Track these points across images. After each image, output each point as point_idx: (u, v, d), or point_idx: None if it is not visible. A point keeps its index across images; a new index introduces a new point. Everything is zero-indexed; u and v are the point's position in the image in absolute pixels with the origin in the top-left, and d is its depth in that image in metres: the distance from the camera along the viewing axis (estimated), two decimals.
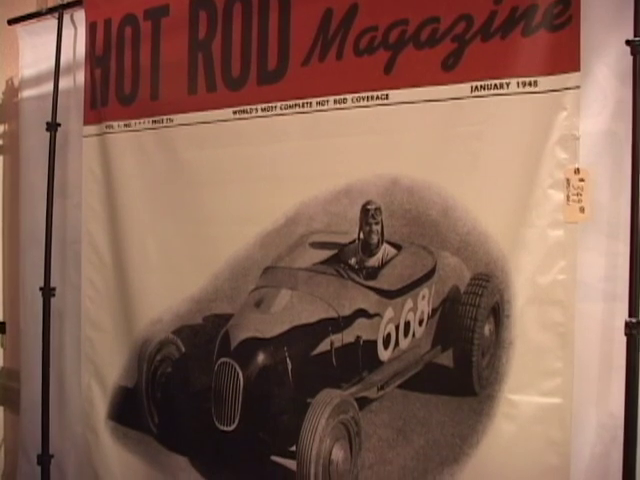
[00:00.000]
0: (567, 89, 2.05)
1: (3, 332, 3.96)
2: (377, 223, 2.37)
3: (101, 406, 3.14)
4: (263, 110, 2.61)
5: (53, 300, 3.29)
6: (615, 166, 2.08)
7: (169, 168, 2.87)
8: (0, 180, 3.96)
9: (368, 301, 2.39)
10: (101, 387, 3.14)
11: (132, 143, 3.00)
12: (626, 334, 1.98)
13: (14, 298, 3.78)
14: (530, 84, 2.10)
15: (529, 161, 2.12)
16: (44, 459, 3.34)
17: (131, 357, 3.01)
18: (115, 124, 3.06)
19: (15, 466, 3.73)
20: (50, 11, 3.32)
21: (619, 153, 2.06)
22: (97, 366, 3.16)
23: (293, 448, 2.44)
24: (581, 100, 2.05)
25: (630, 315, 1.97)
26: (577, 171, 2.05)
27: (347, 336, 2.41)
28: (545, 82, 2.08)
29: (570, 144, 2.06)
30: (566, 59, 2.04)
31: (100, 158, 3.13)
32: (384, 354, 2.37)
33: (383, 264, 2.40)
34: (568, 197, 2.07)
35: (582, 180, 2.05)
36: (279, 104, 2.57)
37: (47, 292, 3.26)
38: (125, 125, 3.03)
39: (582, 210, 2.06)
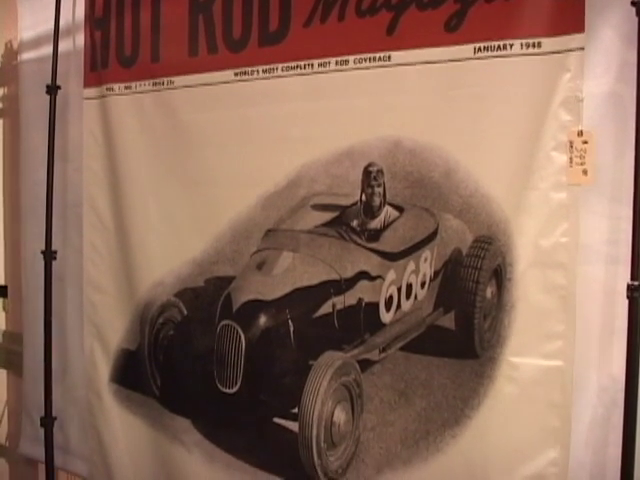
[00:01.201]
0: (571, 50, 2.03)
1: (5, 296, 3.97)
2: (379, 185, 2.36)
3: (104, 369, 3.15)
4: (264, 72, 2.59)
5: (55, 263, 3.28)
6: (619, 128, 2.07)
7: (170, 130, 2.85)
8: (1, 143, 3.95)
9: (370, 263, 2.39)
10: (103, 350, 3.15)
11: (133, 105, 2.98)
12: (628, 297, 1.97)
13: (16, 262, 3.78)
14: (534, 45, 2.08)
15: (532, 123, 2.10)
16: (47, 421, 3.36)
17: (133, 320, 3.02)
18: (115, 86, 3.03)
19: (19, 428, 3.75)
20: None
21: (623, 115, 2.05)
22: (99, 329, 3.17)
23: (295, 410, 2.45)
24: (585, 62, 2.02)
25: (632, 278, 1.96)
26: (580, 133, 2.04)
27: (349, 298, 2.41)
28: (549, 43, 2.05)
29: (573, 106, 2.04)
30: (570, 20, 2.02)
31: (101, 121, 3.11)
32: (386, 316, 2.38)
33: (385, 226, 2.39)
34: (571, 159, 2.06)
35: (585, 142, 2.04)
36: (280, 65, 2.55)
37: (48, 255, 3.26)
38: (126, 87, 3.01)
39: (585, 173, 2.05)
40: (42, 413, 3.36)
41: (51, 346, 3.31)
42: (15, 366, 3.85)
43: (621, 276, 2.03)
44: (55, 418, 3.38)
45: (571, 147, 2.05)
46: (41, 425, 3.36)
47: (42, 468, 3.53)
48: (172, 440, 2.90)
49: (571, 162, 2.06)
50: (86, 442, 3.29)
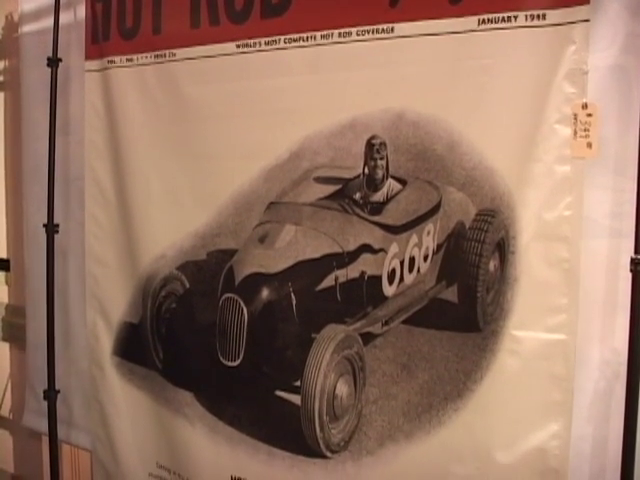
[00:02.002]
0: (576, 22, 2.00)
1: (7, 269, 3.98)
2: (382, 158, 2.35)
3: (106, 342, 3.17)
4: (267, 44, 2.57)
5: (57, 237, 3.28)
6: (623, 101, 2.05)
7: (172, 103, 2.84)
8: (1, 117, 3.94)
9: (373, 236, 2.39)
10: (106, 323, 3.16)
11: (134, 78, 2.96)
12: (631, 271, 1.97)
13: (18, 235, 3.78)
14: (538, 17, 2.05)
15: (536, 96, 2.08)
16: (50, 394, 3.37)
17: (135, 293, 3.02)
18: (117, 59, 3.02)
19: (22, 401, 3.77)
20: None
21: (628, 88, 2.04)
22: (102, 302, 3.17)
23: (297, 383, 2.46)
24: (590, 34, 2.00)
25: (636, 252, 1.96)
26: (585, 106, 2.02)
27: (352, 271, 2.41)
28: (554, 15, 2.03)
29: (578, 78, 2.02)
30: None
31: (102, 93, 3.10)
32: (389, 289, 2.37)
33: (388, 199, 2.39)
34: (575, 132, 2.04)
35: (590, 115, 2.02)
36: (283, 37, 2.53)
37: (50, 229, 3.26)
38: (127, 60, 2.99)
39: (589, 145, 2.03)
40: (45, 386, 3.37)
41: (54, 319, 3.32)
42: (18, 339, 3.87)
43: (625, 250, 2.03)
44: (58, 391, 3.39)
45: (575, 120, 2.04)
46: (44, 398, 3.38)
47: (46, 441, 3.54)
48: (175, 413, 2.92)
49: (575, 135, 2.04)
50: (89, 415, 3.30)
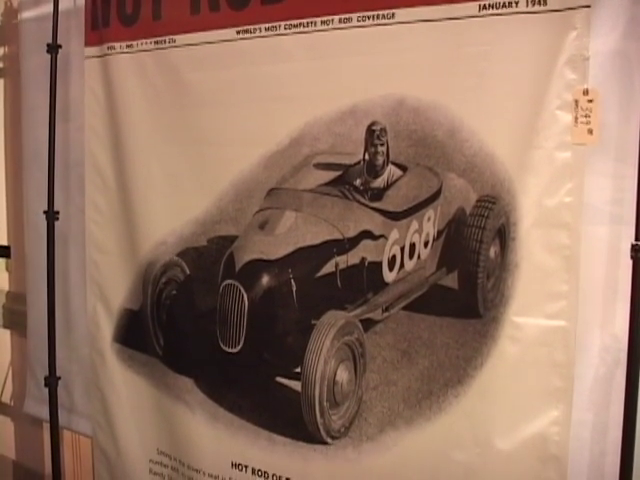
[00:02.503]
0: (577, 8, 1.99)
1: (8, 256, 3.98)
2: (382, 144, 2.34)
3: (107, 329, 3.16)
4: (267, 30, 2.56)
5: (57, 223, 3.28)
6: (625, 87, 2.05)
7: (172, 89, 2.83)
8: (1, 104, 3.93)
9: (373, 222, 2.38)
10: (106, 310, 3.16)
11: (134, 64, 2.95)
12: (632, 257, 1.97)
13: (18, 222, 3.78)
14: (539, 3, 2.04)
15: (537, 82, 2.07)
16: (51, 381, 3.38)
17: (136, 280, 3.01)
18: (117, 45, 3.00)
19: (23, 388, 3.78)
20: None
21: (629, 74, 2.03)
22: (102, 289, 3.17)
23: (298, 369, 2.46)
24: (591, 19, 1.99)
25: (636, 238, 1.96)
26: (586, 92, 2.01)
27: (352, 258, 2.40)
28: (554, 1, 2.02)
29: (579, 64, 2.01)
30: None
31: (102, 80, 3.09)
32: (389, 276, 2.37)
33: (388, 185, 2.38)
34: (576, 119, 2.03)
35: (591, 101, 2.01)
36: (283, 23, 2.52)
37: (51, 215, 3.25)
38: (127, 46, 2.98)
39: (590, 132, 2.03)
40: (46, 373, 3.38)
41: (54, 306, 3.32)
42: (19, 326, 3.87)
43: (625, 236, 2.02)
44: (59, 378, 3.40)
45: (576, 106, 2.03)
46: (45, 385, 3.38)
47: (47, 427, 3.55)
48: (175, 400, 2.92)
49: (576, 121, 2.03)
50: (90, 401, 3.30)
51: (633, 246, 1.96)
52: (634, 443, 2.01)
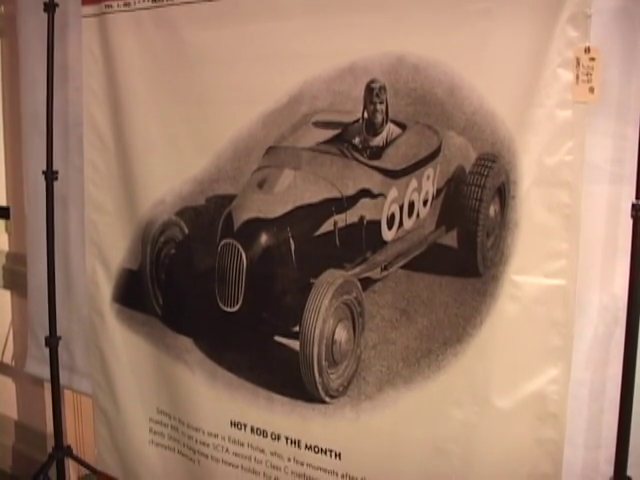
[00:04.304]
0: None
1: (8, 217, 3.97)
2: (381, 102, 2.32)
3: (106, 289, 3.16)
4: None
5: (56, 184, 3.28)
6: (627, 45, 2.03)
7: (170, 48, 2.80)
8: None
9: (372, 181, 2.37)
10: (106, 270, 3.15)
11: (132, 23, 2.91)
12: (632, 216, 1.97)
13: (17, 183, 3.78)
14: None
15: (538, 39, 2.05)
16: (52, 341, 3.40)
17: (135, 239, 3.00)
18: (114, 4, 2.96)
19: (24, 348, 3.79)
20: None
21: (631, 32, 2.01)
22: (101, 249, 3.16)
23: (296, 328, 2.46)
24: None
25: (637, 197, 1.96)
26: (587, 50, 1.99)
27: (351, 216, 2.40)
28: None
29: (581, 22, 1.99)
30: None
31: (100, 39, 3.05)
32: (388, 234, 2.37)
33: (387, 143, 2.37)
34: (577, 77, 2.02)
35: (592, 59, 1.99)
36: None
37: (50, 176, 3.25)
38: (125, 4, 2.94)
39: (591, 90, 2.01)
40: (47, 333, 3.39)
41: (54, 267, 3.33)
42: (19, 287, 3.88)
43: (625, 195, 2.02)
44: (60, 338, 3.42)
45: (578, 64, 2.01)
46: (46, 345, 3.40)
47: (48, 387, 3.57)
48: (175, 359, 2.92)
49: (577, 79, 2.02)
50: (90, 361, 3.31)
51: (634, 205, 1.96)
52: (632, 402, 2.02)
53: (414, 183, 2.33)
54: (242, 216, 2.51)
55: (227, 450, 2.85)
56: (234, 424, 2.80)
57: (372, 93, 2.33)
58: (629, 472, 2.06)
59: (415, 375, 2.35)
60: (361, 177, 2.39)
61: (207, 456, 2.91)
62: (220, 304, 2.58)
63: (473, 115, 2.17)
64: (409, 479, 2.42)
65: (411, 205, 2.35)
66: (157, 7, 2.84)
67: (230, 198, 2.63)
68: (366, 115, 2.37)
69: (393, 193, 2.35)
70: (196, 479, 2.99)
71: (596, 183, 2.09)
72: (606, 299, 2.14)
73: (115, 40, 2.99)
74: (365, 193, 2.38)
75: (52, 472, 3.61)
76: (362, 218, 2.38)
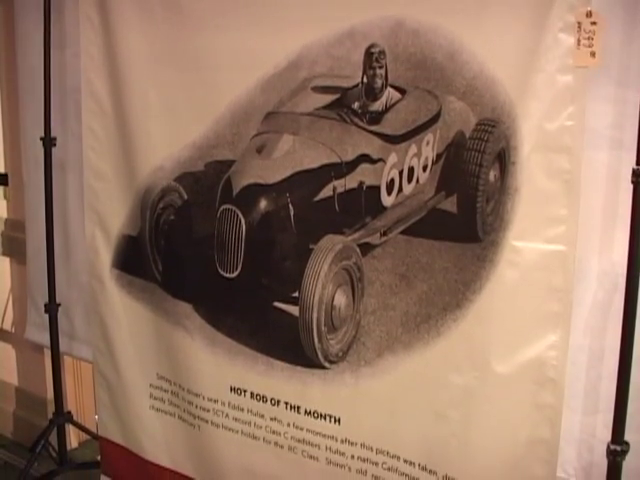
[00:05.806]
0: None
1: (6, 184, 3.96)
2: (381, 67, 2.31)
3: (106, 255, 3.15)
4: None
5: (54, 150, 3.28)
6: (628, 10, 2.02)
7: (168, 14, 2.77)
8: None
9: (371, 146, 2.36)
10: (105, 236, 3.14)
11: None
12: (632, 182, 1.96)
13: (15, 149, 3.77)
14: None
15: (539, 3, 2.02)
16: (51, 307, 3.41)
17: (134, 205, 2.99)
18: None
19: (24, 315, 3.80)
20: None
21: None
22: (101, 215, 3.15)
23: (295, 294, 2.47)
24: None
25: (637, 163, 1.95)
26: (589, 14, 1.97)
27: (350, 182, 2.39)
28: None
29: None
30: None
31: (97, 5, 3.01)
32: (387, 200, 2.36)
33: (387, 108, 2.35)
34: (579, 41, 2.00)
35: (594, 23, 1.97)
36: None
37: (48, 142, 3.25)
38: None
39: (593, 55, 1.99)
40: (46, 300, 3.40)
41: (53, 233, 3.33)
42: (18, 253, 3.89)
43: (626, 161, 2.01)
44: (59, 304, 3.43)
45: (579, 28, 1.99)
46: (45, 311, 3.41)
47: (48, 354, 3.59)
48: (174, 325, 2.93)
49: (579, 44, 2.00)
50: (90, 327, 3.32)
51: (634, 171, 1.95)
52: (630, 368, 2.03)
53: (414, 148, 2.32)
54: (241, 182, 2.50)
55: (227, 415, 2.86)
56: (234, 389, 2.80)
57: (371, 58, 2.31)
58: (626, 437, 2.07)
59: (414, 341, 2.35)
60: (360, 142, 2.38)
61: (207, 421, 2.92)
62: (219, 270, 2.59)
63: (473, 80, 2.16)
64: (408, 444, 2.43)
65: (411, 170, 2.34)
66: None
67: (229, 164, 2.62)
68: (365, 80, 2.36)
69: (392, 158, 2.34)
70: (196, 444, 3.00)
71: (596, 149, 2.09)
72: (605, 265, 2.14)
73: (112, 6, 2.96)
74: (364, 158, 2.37)
75: (53, 438, 3.64)
76: (361, 183, 2.37)
